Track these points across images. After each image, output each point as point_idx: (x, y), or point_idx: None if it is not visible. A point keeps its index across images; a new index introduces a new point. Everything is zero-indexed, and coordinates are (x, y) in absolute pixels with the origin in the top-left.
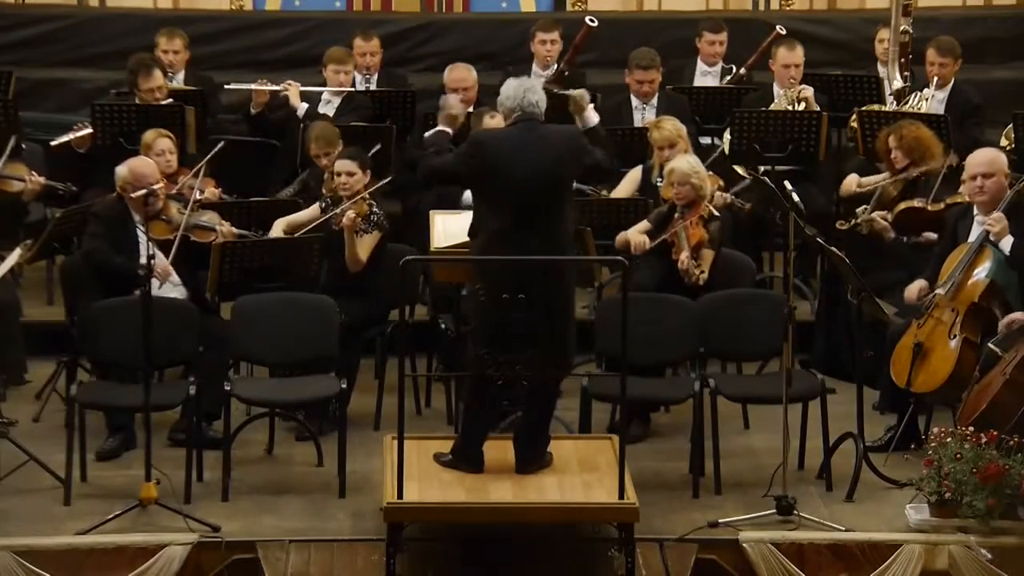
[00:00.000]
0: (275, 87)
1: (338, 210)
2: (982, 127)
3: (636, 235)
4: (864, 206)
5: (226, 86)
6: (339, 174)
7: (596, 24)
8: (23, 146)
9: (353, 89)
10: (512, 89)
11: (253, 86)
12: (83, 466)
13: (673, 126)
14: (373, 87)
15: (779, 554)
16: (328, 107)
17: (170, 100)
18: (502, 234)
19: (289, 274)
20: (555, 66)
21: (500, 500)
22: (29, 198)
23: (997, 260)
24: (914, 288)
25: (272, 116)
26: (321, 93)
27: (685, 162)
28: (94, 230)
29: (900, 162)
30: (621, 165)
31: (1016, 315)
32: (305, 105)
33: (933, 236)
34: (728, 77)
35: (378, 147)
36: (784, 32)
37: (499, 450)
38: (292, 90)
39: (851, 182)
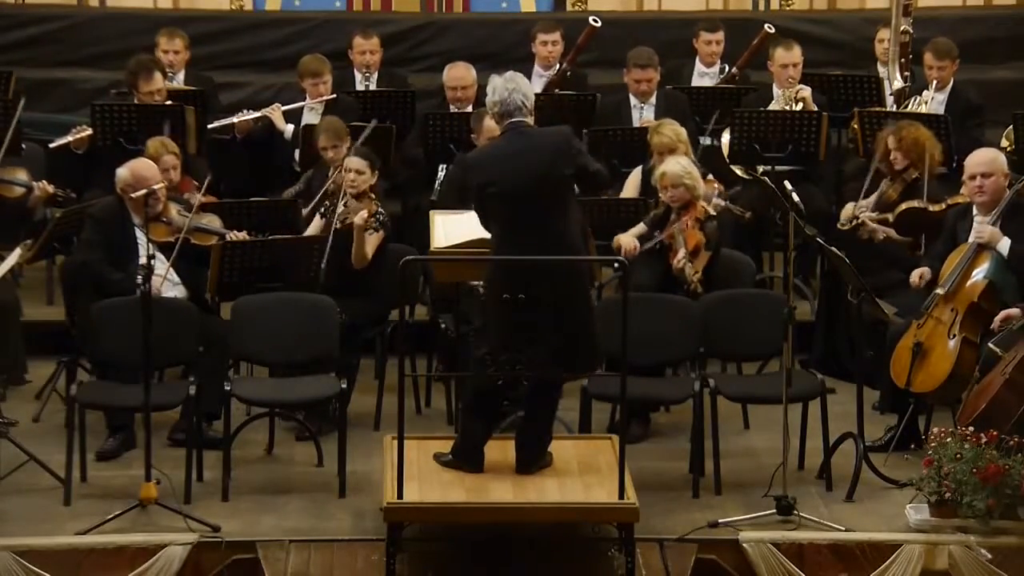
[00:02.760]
0: (256, 114)
1: (342, 208)
2: (983, 128)
3: (627, 239)
4: (862, 205)
5: (208, 126)
6: (349, 171)
7: (600, 24)
8: (23, 146)
9: (335, 95)
10: (499, 92)
11: (235, 119)
12: (83, 466)
13: (672, 131)
14: (373, 86)
15: (779, 554)
16: (313, 115)
17: (184, 101)
18: (509, 239)
19: (289, 274)
20: (557, 66)
21: (500, 500)
22: (35, 204)
23: (996, 261)
24: (916, 275)
25: (257, 132)
26: (303, 108)
27: (676, 164)
28: (90, 237)
29: (899, 163)
30: (622, 165)
31: (1010, 311)
32: (291, 127)
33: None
34: (721, 76)
35: (374, 122)
36: (772, 30)
37: (499, 450)
38: (275, 114)
39: (849, 209)
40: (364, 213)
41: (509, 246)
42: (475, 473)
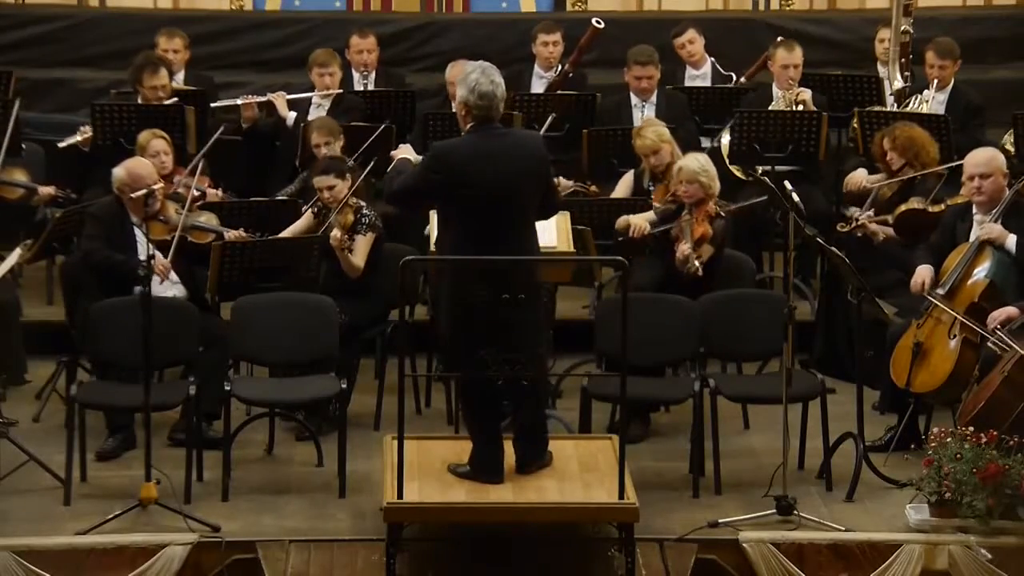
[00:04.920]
0: (261, 99)
1: (327, 223)
2: (983, 128)
3: (638, 218)
4: (855, 208)
5: (212, 104)
6: (320, 190)
7: (603, 26)
8: (23, 146)
9: (341, 91)
10: (482, 87)
11: (239, 101)
12: (83, 466)
13: (654, 133)
14: (371, 86)
15: (779, 554)
16: (319, 111)
17: (175, 99)
18: (471, 243)
19: (289, 274)
20: (558, 67)
21: (500, 500)
22: (37, 205)
23: (997, 260)
24: (917, 281)
25: (263, 123)
26: (310, 100)
27: (694, 160)
28: (91, 231)
29: (895, 163)
30: (621, 165)
31: (1009, 312)
32: (293, 114)
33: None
34: (730, 85)
35: (375, 159)
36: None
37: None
38: (279, 101)
39: (860, 176)
40: (336, 233)
41: (475, 248)
42: (494, 484)
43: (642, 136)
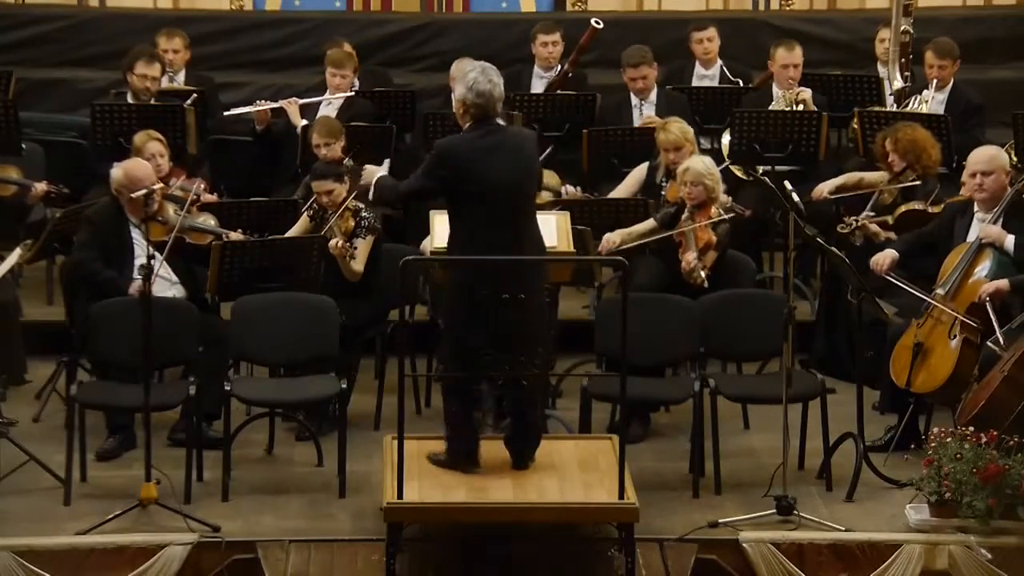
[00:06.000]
0: (274, 105)
1: (325, 229)
2: (983, 128)
3: (610, 234)
4: (853, 218)
5: (225, 113)
6: (319, 195)
7: (602, 26)
8: (23, 146)
9: (352, 94)
10: (481, 86)
11: (252, 108)
12: (83, 466)
13: (680, 129)
14: (357, 86)
15: (779, 554)
16: (329, 108)
17: (195, 96)
18: (476, 238)
19: (289, 274)
20: (557, 67)
21: (500, 500)
22: (33, 202)
23: (997, 260)
24: (876, 261)
25: (277, 127)
26: (319, 104)
27: (700, 162)
28: (84, 238)
29: (897, 165)
30: (621, 165)
31: (1000, 286)
32: (305, 122)
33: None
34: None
35: (356, 149)
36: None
37: (498, 450)
38: (292, 108)
39: (820, 189)
40: (336, 241)
41: (482, 245)
42: (472, 469)
43: (667, 130)
